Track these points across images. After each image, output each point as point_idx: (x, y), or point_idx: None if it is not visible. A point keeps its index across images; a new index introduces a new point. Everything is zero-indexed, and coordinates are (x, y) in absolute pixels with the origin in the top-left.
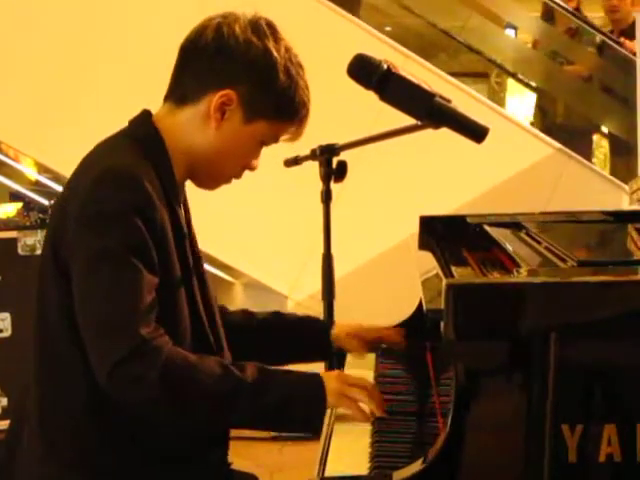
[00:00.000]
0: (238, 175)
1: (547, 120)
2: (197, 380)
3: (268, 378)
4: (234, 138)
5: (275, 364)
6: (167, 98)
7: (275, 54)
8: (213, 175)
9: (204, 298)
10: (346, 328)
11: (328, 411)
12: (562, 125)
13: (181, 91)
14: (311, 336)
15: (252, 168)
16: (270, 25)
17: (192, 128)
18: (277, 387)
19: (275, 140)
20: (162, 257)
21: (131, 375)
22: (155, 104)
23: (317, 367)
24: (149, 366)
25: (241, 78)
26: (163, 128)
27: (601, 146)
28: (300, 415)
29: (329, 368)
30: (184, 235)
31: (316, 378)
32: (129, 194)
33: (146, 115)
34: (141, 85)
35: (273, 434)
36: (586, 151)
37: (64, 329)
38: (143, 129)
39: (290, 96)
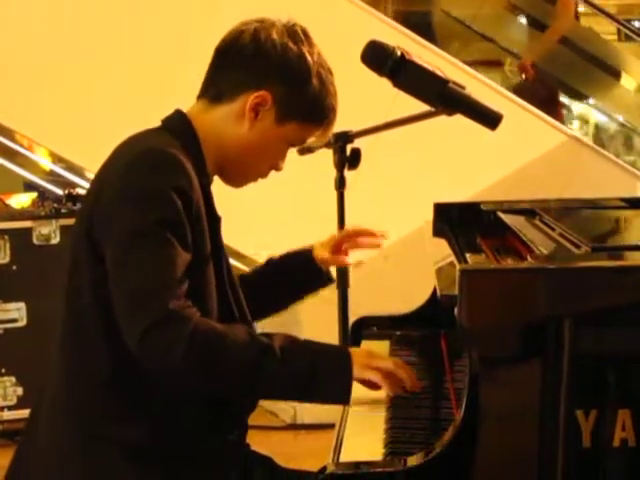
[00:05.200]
0: (265, 175)
1: None
2: (225, 347)
3: (296, 346)
4: (264, 138)
5: (281, 307)
6: (201, 96)
7: (309, 59)
8: (241, 173)
9: (230, 278)
10: (322, 248)
11: None
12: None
13: (217, 90)
14: (301, 271)
15: (278, 169)
16: (304, 32)
17: (225, 125)
18: (304, 355)
19: (302, 142)
20: (197, 237)
21: (159, 343)
22: (169, 98)
23: None
24: (177, 334)
25: (276, 80)
26: (196, 124)
27: None
28: (327, 384)
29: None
30: (217, 218)
31: (344, 349)
32: (169, 174)
33: (180, 112)
34: (155, 78)
35: (288, 422)
36: None
37: (92, 305)
38: (177, 123)
39: (321, 100)
